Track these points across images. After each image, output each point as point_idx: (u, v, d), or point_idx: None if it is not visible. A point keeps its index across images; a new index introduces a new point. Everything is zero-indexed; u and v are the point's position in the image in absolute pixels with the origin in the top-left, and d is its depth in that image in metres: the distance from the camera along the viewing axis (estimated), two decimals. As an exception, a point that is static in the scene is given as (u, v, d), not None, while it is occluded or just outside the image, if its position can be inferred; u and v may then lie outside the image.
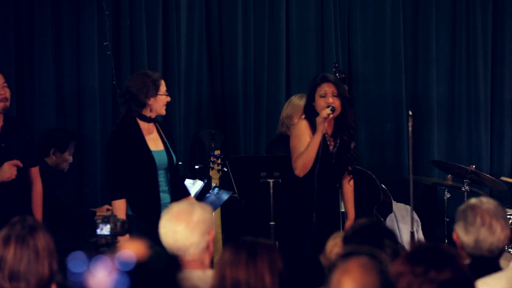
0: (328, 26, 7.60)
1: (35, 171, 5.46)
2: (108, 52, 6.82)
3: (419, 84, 7.86)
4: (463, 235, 3.46)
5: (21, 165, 5.22)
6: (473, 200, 3.52)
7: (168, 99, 5.33)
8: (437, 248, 2.75)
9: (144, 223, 5.18)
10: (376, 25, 7.76)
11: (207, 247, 3.52)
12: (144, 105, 5.24)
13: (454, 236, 3.50)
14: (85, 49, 6.83)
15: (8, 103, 5.27)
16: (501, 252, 3.48)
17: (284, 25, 7.55)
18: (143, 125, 5.30)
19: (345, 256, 2.53)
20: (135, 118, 5.27)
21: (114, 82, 6.86)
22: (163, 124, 5.57)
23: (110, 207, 6.37)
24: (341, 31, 7.68)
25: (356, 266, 2.47)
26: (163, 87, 5.28)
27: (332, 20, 7.60)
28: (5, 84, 5.27)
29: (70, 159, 6.25)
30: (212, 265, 3.64)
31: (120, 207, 5.19)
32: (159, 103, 5.28)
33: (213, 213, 6.22)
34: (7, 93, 5.26)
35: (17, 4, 6.62)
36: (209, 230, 3.53)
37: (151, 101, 5.25)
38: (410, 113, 5.37)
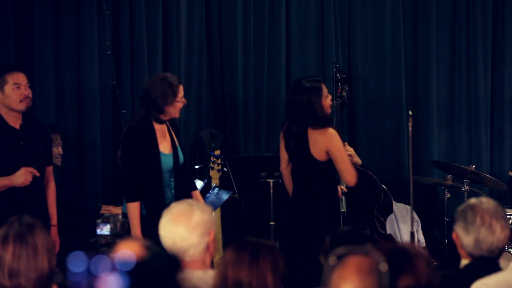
0: (328, 26, 7.60)
1: (50, 170, 5.54)
2: (108, 52, 6.83)
3: (419, 84, 7.86)
4: (463, 235, 3.46)
5: (37, 174, 5.28)
6: (472, 200, 3.52)
7: (184, 102, 5.33)
8: (399, 251, 2.77)
9: (155, 224, 5.19)
10: (376, 25, 7.76)
11: (207, 247, 3.52)
12: (162, 111, 5.25)
13: (454, 236, 3.51)
14: (85, 49, 6.83)
15: (30, 103, 5.37)
16: (500, 252, 3.48)
17: (284, 25, 7.55)
18: (157, 126, 5.31)
19: (341, 257, 2.51)
20: (151, 120, 5.30)
21: (114, 82, 6.87)
22: (171, 121, 5.56)
23: (110, 208, 6.39)
24: (341, 31, 7.68)
25: (353, 271, 2.45)
26: (180, 93, 5.27)
27: (332, 20, 7.60)
28: (28, 84, 5.37)
29: (58, 150, 6.23)
30: (212, 265, 3.64)
31: (133, 210, 5.17)
32: (176, 108, 5.29)
33: (213, 213, 6.21)
34: (30, 93, 5.36)
35: (17, 4, 6.62)
36: (209, 231, 3.52)
37: (169, 107, 5.26)
38: (410, 113, 5.38)
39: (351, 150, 6.03)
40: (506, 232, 3.45)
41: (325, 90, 5.46)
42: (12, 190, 5.26)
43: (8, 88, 5.29)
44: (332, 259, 2.48)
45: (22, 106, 5.32)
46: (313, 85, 5.47)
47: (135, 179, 5.22)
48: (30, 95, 5.36)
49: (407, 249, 2.87)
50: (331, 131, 5.41)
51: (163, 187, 5.27)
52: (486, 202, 3.49)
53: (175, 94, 5.24)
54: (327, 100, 5.46)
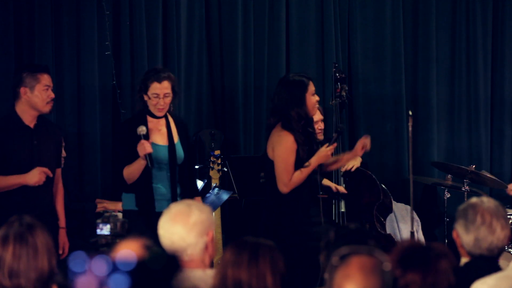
0: (328, 26, 7.60)
1: (59, 172, 5.58)
2: (108, 52, 6.82)
3: (419, 84, 7.86)
4: (463, 233, 3.47)
5: (51, 175, 5.32)
6: (474, 199, 3.53)
7: (159, 102, 5.29)
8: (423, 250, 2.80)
9: (144, 218, 5.20)
10: (376, 25, 7.76)
11: (206, 247, 3.51)
12: (140, 98, 5.31)
13: (454, 235, 3.51)
14: (85, 49, 6.83)
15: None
16: (500, 251, 3.48)
17: (284, 25, 7.55)
18: (151, 119, 5.33)
19: (344, 256, 2.51)
20: (145, 113, 5.34)
21: (114, 82, 6.86)
22: (179, 120, 5.57)
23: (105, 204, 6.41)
24: (341, 31, 7.68)
25: (356, 269, 2.44)
26: (153, 88, 5.27)
27: (332, 20, 7.60)
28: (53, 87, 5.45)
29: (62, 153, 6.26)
30: (211, 265, 3.65)
31: (127, 169, 5.22)
32: (150, 103, 5.31)
33: (213, 213, 6.22)
34: (53, 95, 5.43)
35: (17, 4, 6.62)
36: (207, 231, 3.51)
37: (145, 97, 5.30)
38: (410, 113, 5.38)
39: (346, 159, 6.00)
40: (506, 231, 3.46)
41: (311, 88, 5.42)
42: (24, 190, 5.28)
43: (38, 88, 5.33)
44: (335, 259, 2.48)
45: (47, 108, 5.38)
46: (299, 79, 5.45)
47: (123, 160, 5.27)
48: (54, 97, 5.43)
49: (430, 248, 2.89)
50: (285, 134, 5.35)
51: (152, 180, 5.27)
52: (487, 201, 3.50)
53: (146, 86, 5.28)
54: (312, 99, 5.41)
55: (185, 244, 3.46)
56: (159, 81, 5.27)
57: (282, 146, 5.36)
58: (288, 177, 5.33)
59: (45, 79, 5.37)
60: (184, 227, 3.47)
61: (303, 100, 5.37)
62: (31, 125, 5.36)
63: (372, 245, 3.16)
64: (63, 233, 5.51)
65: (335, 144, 5.48)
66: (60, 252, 5.48)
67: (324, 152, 5.40)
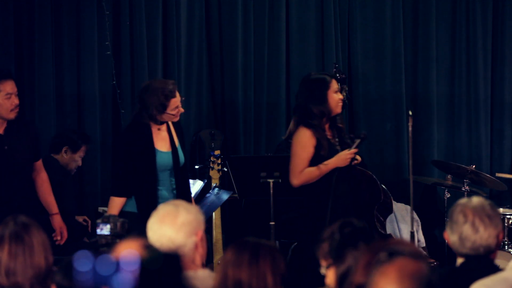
0: (328, 26, 7.60)
1: (39, 164, 5.53)
2: (108, 52, 6.83)
3: (419, 84, 7.86)
4: (449, 233, 3.48)
5: None
6: (462, 200, 3.53)
7: (176, 114, 5.26)
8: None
9: (144, 221, 5.19)
10: (376, 25, 7.76)
11: (196, 247, 3.50)
12: (152, 117, 5.24)
13: (445, 235, 3.52)
14: (85, 49, 6.84)
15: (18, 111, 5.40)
16: (487, 251, 3.43)
17: (284, 25, 7.55)
18: (153, 125, 5.31)
19: (392, 254, 2.47)
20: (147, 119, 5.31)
21: (114, 82, 6.87)
22: (176, 122, 5.55)
23: (87, 219, 6.42)
24: (341, 31, 7.68)
25: (396, 270, 2.41)
26: (173, 104, 5.21)
27: (332, 20, 7.60)
28: (17, 93, 5.37)
29: (79, 161, 6.32)
30: (205, 265, 3.64)
31: (114, 204, 5.17)
32: (165, 117, 5.26)
33: (213, 213, 6.22)
34: (18, 101, 5.36)
35: (17, 4, 6.62)
36: (196, 231, 3.50)
37: (159, 117, 5.25)
38: (410, 113, 5.38)
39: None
40: (491, 231, 3.42)
41: (334, 86, 5.41)
42: None
43: (0, 97, 5.29)
44: (383, 255, 2.46)
45: (12, 115, 5.33)
46: (320, 77, 5.46)
47: (124, 176, 5.21)
48: (18, 103, 5.36)
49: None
50: (302, 129, 5.35)
51: (157, 185, 5.26)
52: (474, 201, 3.48)
53: (164, 107, 5.21)
54: (334, 96, 5.39)
55: (174, 245, 3.45)
56: (174, 95, 5.23)
57: (297, 140, 5.36)
58: (298, 169, 5.31)
59: (7, 86, 5.30)
60: (172, 228, 3.46)
61: (325, 97, 5.37)
62: (1, 131, 5.33)
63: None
64: (57, 218, 5.48)
65: (356, 149, 5.45)
66: (58, 237, 5.46)
67: (344, 156, 5.36)
